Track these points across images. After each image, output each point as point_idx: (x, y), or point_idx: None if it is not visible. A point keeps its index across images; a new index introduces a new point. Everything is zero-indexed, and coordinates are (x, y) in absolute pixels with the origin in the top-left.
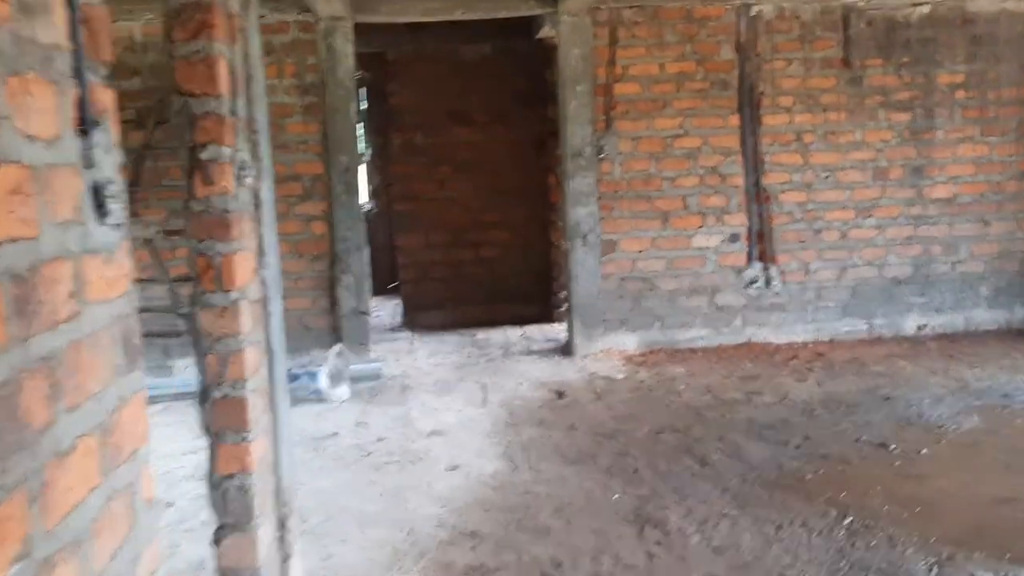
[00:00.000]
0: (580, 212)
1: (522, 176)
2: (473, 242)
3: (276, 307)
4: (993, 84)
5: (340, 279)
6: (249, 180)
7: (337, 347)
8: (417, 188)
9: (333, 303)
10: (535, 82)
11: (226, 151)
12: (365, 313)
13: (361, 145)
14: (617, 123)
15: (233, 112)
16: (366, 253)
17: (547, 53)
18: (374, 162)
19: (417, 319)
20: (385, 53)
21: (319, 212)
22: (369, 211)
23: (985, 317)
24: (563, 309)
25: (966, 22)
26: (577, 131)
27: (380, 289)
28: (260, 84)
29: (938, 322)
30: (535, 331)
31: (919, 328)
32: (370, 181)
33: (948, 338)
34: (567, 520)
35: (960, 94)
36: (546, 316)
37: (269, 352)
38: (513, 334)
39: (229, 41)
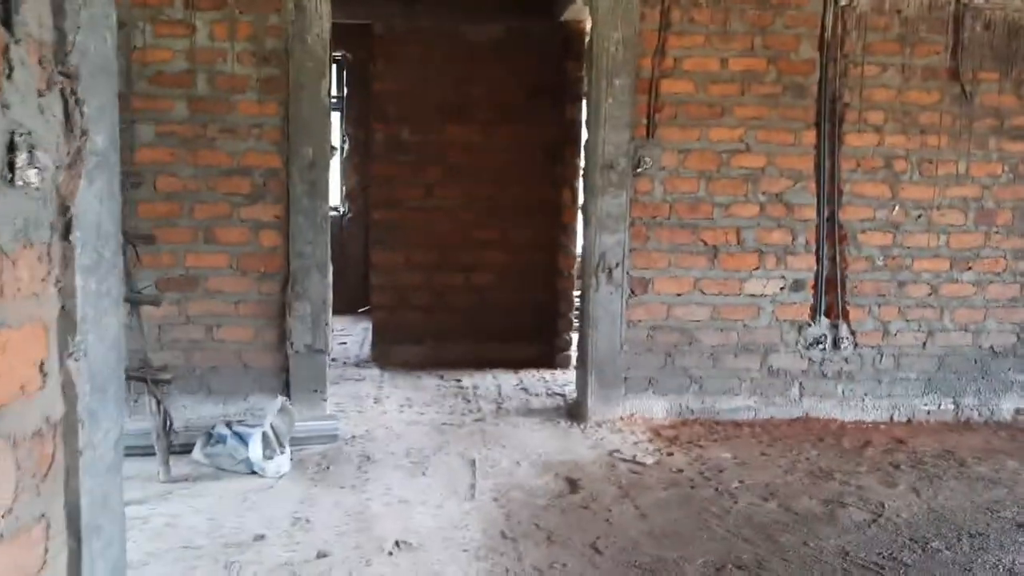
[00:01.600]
0: (606, 240)
1: (529, 188)
2: (463, 264)
3: (104, 434)
4: None
5: (293, 306)
6: (34, 173)
7: (279, 401)
8: (399, 194)
9: (282, 336)
10: (553, 75)
11: None
12: (323, 352)
13: (335, 136)
14: (662, 130)
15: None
16: (330, 273)
17: (570, 40)
18: (351, 159)
19: (390, 354)
20: (372, 27)
21: (272, 218)
22: (343, 216)
23: None
24: (569, 353)
25: None
26: (611, 136)
27: (350, 309)
28: None
29: None
30: (534, 379)
31: (1018, 412)
32: (345, 181)
33: None
34: None
35: None
36: (547, 360)
37: (76, 537)
38: (507, 381)
39: None
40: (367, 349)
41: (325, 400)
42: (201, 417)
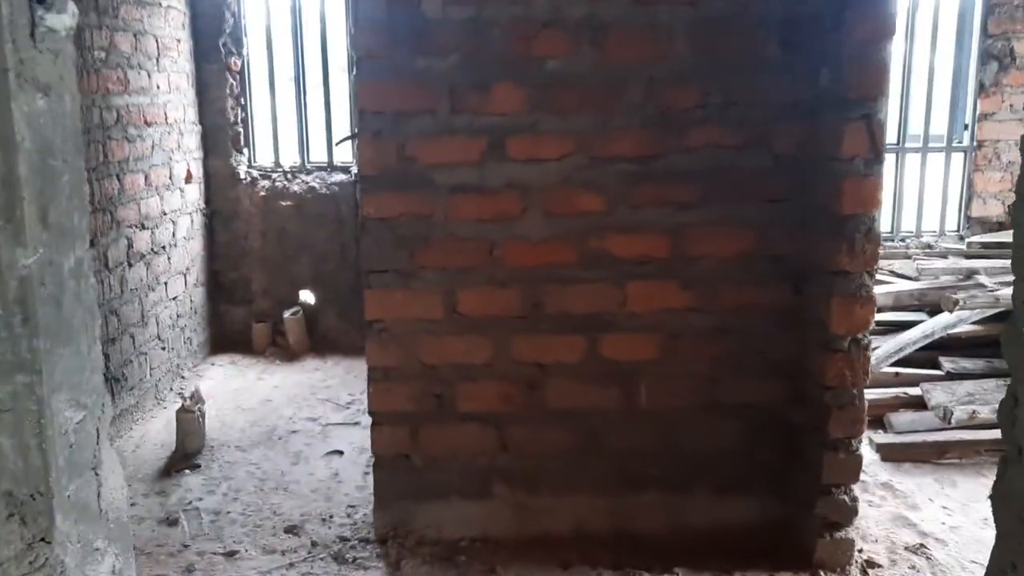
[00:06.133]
0: None
1: (741, 131)
2: (582, 317)
3: None
4: None
5: None
6: None
7: None
8: (423, 155)
9: None
10: None
11: None
12: None
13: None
14: None
15: None
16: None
17: None
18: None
19: (414, 521)
20: None
21: None
22: (356, 182)
23: None
24: (848, 536)
25: None
26: None
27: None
28: None
29: None
30: None
31: None
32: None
33: None
34: None
35: None
36: (796, 547)
37: None
38: None
39: None
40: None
41: None
42: None
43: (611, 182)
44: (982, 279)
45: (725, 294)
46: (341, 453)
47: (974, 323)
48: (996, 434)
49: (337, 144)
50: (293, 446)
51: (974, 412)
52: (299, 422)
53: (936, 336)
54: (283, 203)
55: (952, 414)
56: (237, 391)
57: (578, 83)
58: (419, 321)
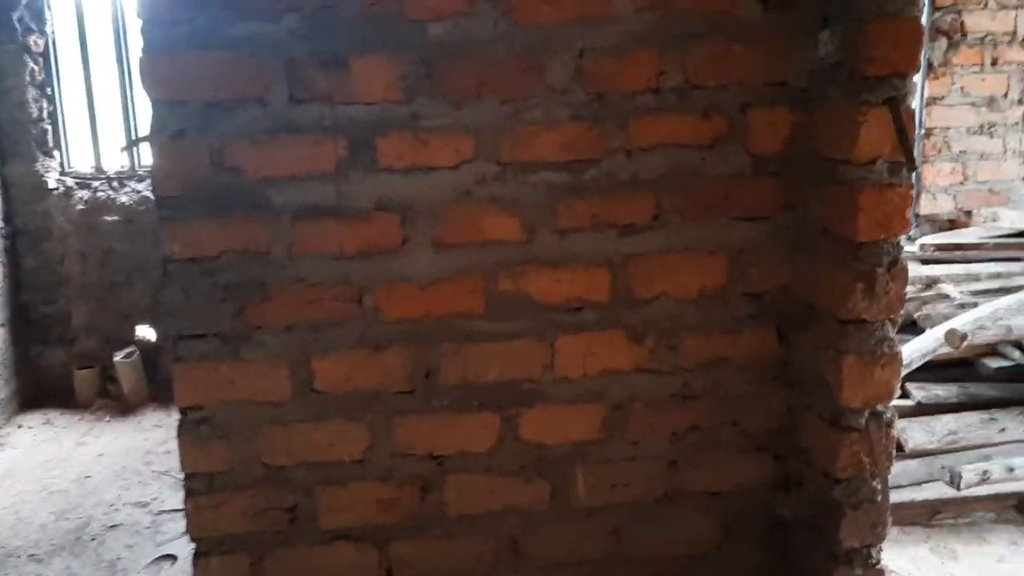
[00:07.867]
0: None
1: (705, 121)
2: (487, 388)
3: None
4: None
5: None
6: None
7: None
8: (249, 162)
9: None
10: None
11: None
12: None
13: None
14: None
15: None
16: None
17: None
18: None
19: None
20: None
21: None
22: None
23: None
24: None
25: None
26: None
27: None
28: None
29: None
30: None
31: None
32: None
33: None
34: None
35: None
36: None
37: None
38: None
39: None
40: None
41: None
42: None
43: (529, 198)
44: (946, 288)
45: (688, 347)
46: (174, 559)
47: None
48: (994, 489)
49: (122, 151)
50: (110, 550)
51: (985, 473)
52: (123, 509)
53: (915, 366)
54: (108, 217)
55: (960, 478)
56: (47, 465)
57: (477, 56)
58: (257, 405)
